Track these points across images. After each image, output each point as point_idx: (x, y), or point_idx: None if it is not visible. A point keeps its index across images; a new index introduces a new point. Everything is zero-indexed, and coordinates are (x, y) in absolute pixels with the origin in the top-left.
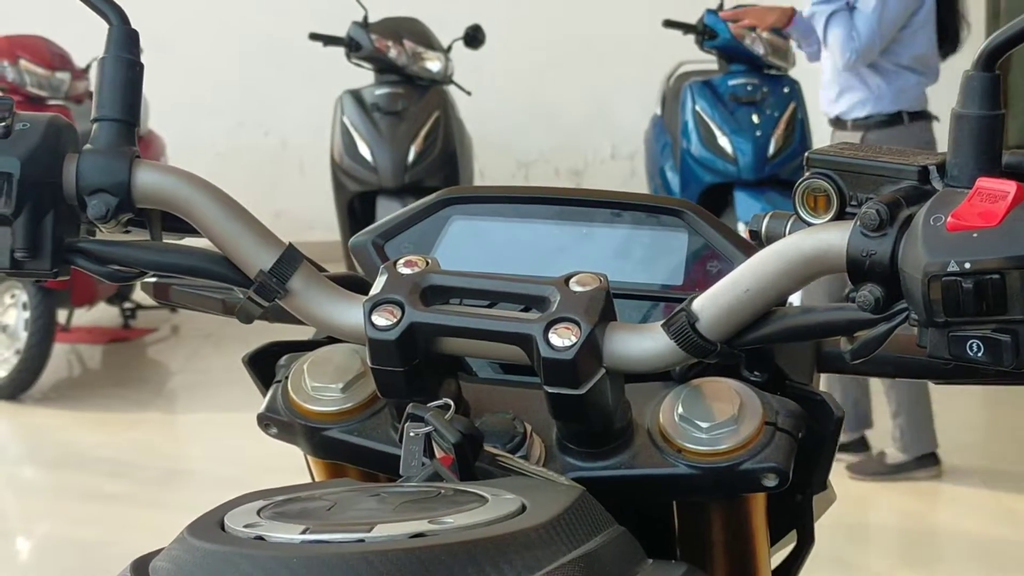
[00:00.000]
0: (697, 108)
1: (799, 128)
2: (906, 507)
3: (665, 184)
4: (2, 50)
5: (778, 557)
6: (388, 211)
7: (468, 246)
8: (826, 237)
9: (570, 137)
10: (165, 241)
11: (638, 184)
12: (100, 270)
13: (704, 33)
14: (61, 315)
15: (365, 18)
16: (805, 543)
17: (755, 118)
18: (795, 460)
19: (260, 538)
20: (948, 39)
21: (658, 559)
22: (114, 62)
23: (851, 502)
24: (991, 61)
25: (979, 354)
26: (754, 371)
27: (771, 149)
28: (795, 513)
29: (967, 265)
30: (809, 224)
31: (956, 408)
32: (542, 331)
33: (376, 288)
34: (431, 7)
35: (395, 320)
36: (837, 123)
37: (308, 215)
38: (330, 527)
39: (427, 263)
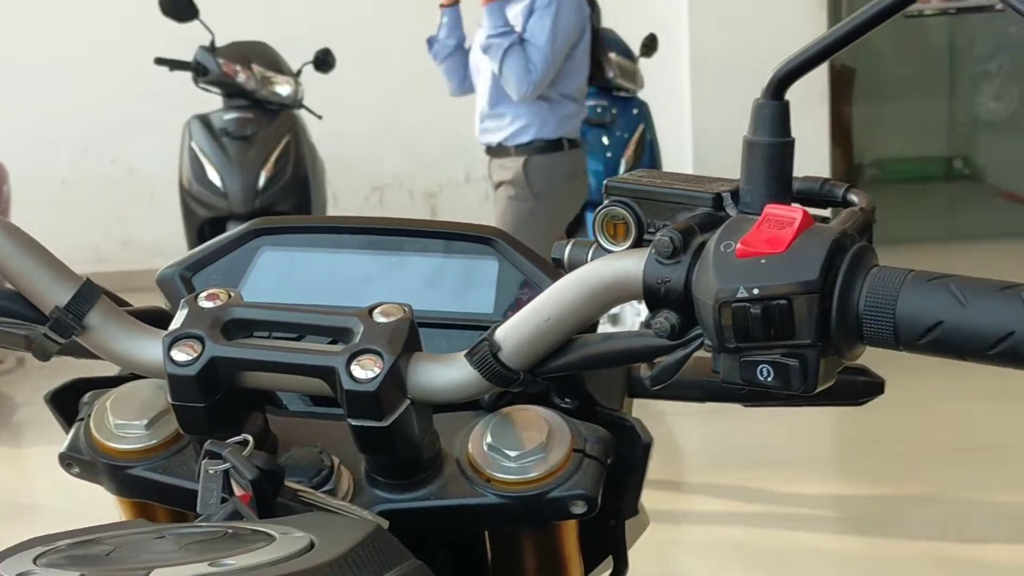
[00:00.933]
0: None
1: (648, 148)
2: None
3: None
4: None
5: None
6: None
7: (277, 278)
8: (623, 264)
9: (424, 161)
10: None
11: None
12: None
13: None
14: None
15: (212, 42)
16: (620, 569)
17: (605, 139)
18: (605, 486)
19: None
20: (594, 73)
21: None
22: None
23: None
24: (780, 89)
25: (769, 378)
26: (564, 398)
27: (621, 167)
28: (609, 539)
29: (755, 291)
30: (609, 251)
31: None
32: (344, 363)
33: (176, 322)
34: (280, 31)
35: (195, 355)
36: (499, 150)
37: (157, 242)
38: (107, 573)
39: (229, 296)
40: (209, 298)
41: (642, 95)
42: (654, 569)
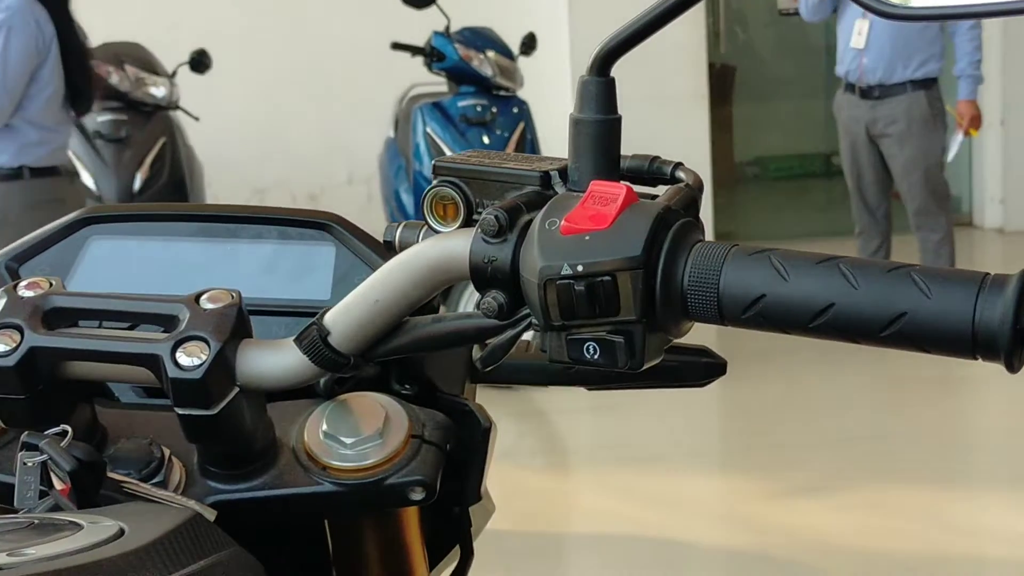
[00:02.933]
0: (428, 130)
1: (529, 147)
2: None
3: (400, 206)
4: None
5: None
6: None
7: (107, 267)
8: (450, 244)
9: (306, 162)
10: None
11: (375, 208)
12: None
13: (432, 55)
14: None
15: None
16: (466, 557)
17: (486, 139)
18: (446, 472)
19: None
20: (79, 97)
21: None
22: None
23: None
24: (605, 66)
25: (596, 356)
26: (404, 384)
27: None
28: (454, 527)
29: (579, 268)
30: (438, 232)
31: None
32: (169, 351)
33: None
34: (156, 32)
35: (13, 345)
36: None
37: None
38: None
39: (51, 284)
40: (29, 287)
41: (523, 94)
42: (541, 567)
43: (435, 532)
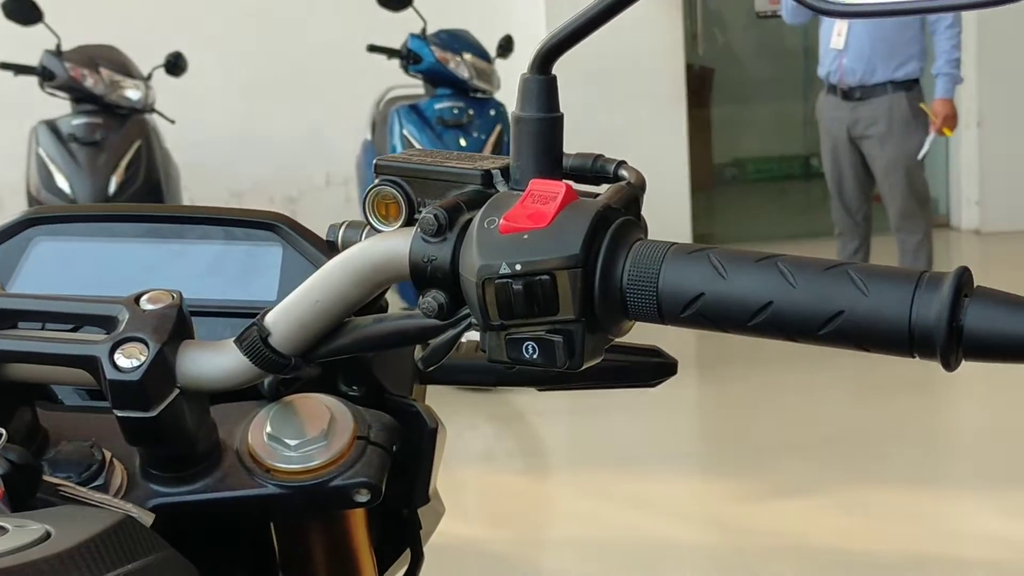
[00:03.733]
0: (405, 132)
1: (505, 148)
2: None
3: None
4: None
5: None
6: None
7: (52, 269)
8: (391, 244)
9: (283, 165)
10: None
11: (353, 209)
12: None
13: (409, 58)
14: None
15: (58, 46)
16: (416, 560)
17: (462, 141)
18: (393, 474)
19: None
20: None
21: None
22: None
23: None
24: (546, 64)
25: (535, 356)
26: (351, 385)
27: None
28: (404, 530)
29: (518, 267)
30: (380, 232)
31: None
32: (107, 352)
33: None
34: (130, 34)
35: None
36: None
37: None
38: None
39: None
40: None
41: (500, 96)
42: (519, 570)
43: (385, 535)
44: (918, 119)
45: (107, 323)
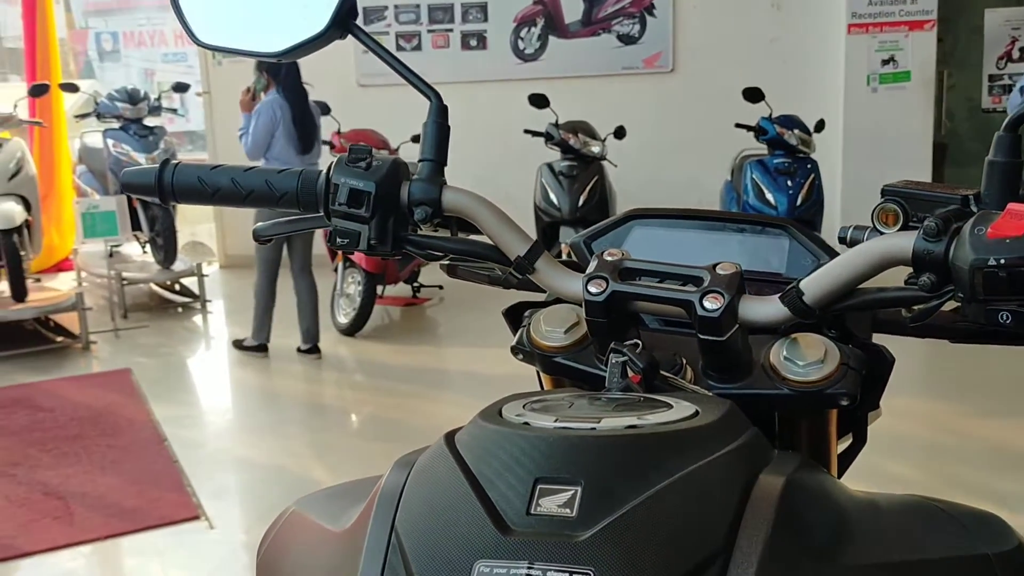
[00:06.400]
0: (753, 176)
1: (816, 189)
2: None
3: None
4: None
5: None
6: (566, 235)
7: (644, 246)
8: (897, 241)
9: (673, 197)
10: (460, 236)
11: None
12: (421, 253)
13: (759, 131)
14: (378, 288)
15: (556, 120)
16: (859, 442)
17: (789, 183)
18: (860, 388)
19: (527, 424)
20: (304, 141)
21: (780, 451)
22: (432, 125)
23: None
24: (1014, 126)
25: (1007, 321)
26: (831, 329)
27: (799, 200)
28: (854, 422)
29: (1002, 261)
30: (882, 233)
31: None
32: (699, 298)
33: (590, 268)
34: (594, 115)
35: (602, 289)
36: None
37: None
38: (571, 419)
39: (623, 254)
40: (610, 255)
41: (814, 156)
42: None
43: (839, 423)
44: None
45: (695, 280)
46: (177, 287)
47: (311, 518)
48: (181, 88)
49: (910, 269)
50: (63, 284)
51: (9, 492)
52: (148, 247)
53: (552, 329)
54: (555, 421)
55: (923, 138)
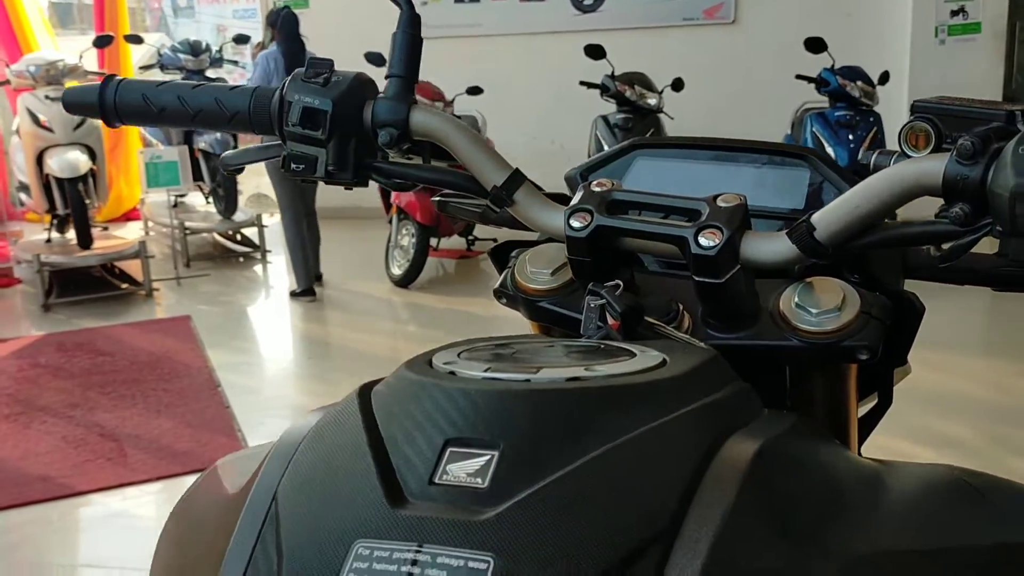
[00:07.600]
0: (814, 129)
1: (879, 144)
2: None
3: None
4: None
5: (862, 411)
6: None
7: (647, 177)
8: (926, 165)
9: None
10: (432, 164)
11: None
12: (387, 183)
13: (820, 83)
14: (433, 241)
15: (613, 72)
16: (885, 403)
17: (850, 136)
18: (884, 341)
19: (452, 373)
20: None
21: (772, 409)
22: (403, 36)
23: None
24: None
25: None
26: (853, 274)
27: (860, 154)
28: (879, 379)
29: None
30: (910, 157)
31: None
32: (693, 234)
33: (575, 200)
34: (648, 67)
35: (586, 223)
36: None
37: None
38: (506, 368)
39: (612, 184)
40: (598, 185)
41: (878, 110)
42: None
43: (862, 380)
44: None
45: (692, 215)
46: (239, 237)
47: (220, 479)
48: (242, 40)
49: (942, 200)
50: (130, 233)
51: (67, 433)
52: (210, 198)
53: (538, 270)
54: (485, 371)
55: (992, 94)
